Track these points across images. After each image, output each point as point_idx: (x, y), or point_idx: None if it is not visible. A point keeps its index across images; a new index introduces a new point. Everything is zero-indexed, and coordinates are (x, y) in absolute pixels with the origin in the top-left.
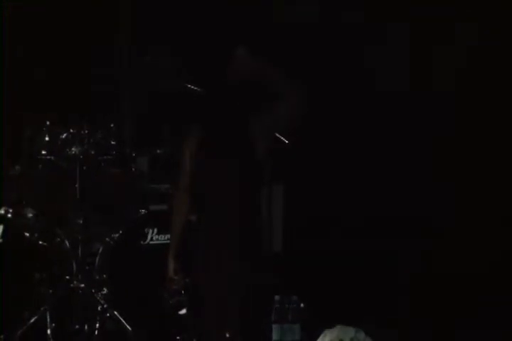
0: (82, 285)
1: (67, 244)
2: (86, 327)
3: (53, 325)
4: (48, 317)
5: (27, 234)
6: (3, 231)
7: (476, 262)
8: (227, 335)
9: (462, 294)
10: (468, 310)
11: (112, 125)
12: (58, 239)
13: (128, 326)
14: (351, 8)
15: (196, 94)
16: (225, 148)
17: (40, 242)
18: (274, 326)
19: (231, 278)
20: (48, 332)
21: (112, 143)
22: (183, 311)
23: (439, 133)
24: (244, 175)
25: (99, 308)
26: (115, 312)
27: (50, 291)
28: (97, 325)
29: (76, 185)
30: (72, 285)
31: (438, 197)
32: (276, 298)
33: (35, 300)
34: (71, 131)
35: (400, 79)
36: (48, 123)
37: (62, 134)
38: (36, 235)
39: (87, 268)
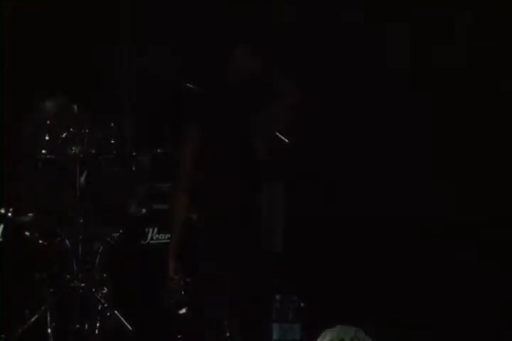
0: (83, 284)
1: (68, 244)
2: (86, 326)
3: (54, 324)
4: (49, 316)
5: (27, 234)
6: (3, 230)
7: (475, 261)
8: (227, 335)
9: (462, 294)
10: (468, 310)
11: (112, 124)
12: (58, 239)
13: (128, 325)
14: (351, 8)
15: (196, 94)
16: (225, 148)
17: (41, 241)
18: (274, 326)
19: (231, 278)
20: (49, 331)
21: (113, 142)
22: (183, 311)
23: (439, 134)
24: (244, 175)
25: (99, 308)
26: (115, 312)
27: (51, 291)
28: (97, 324)
29: (76, 185)
30: (72, 284)
31: (438, 197)
32: (277, 297)
33: (35, 300)
34: (71, 130)
35: (399, 79)
36: (48, 122)
37: (63, 133)
38: (36, 234)
39: (87, 267)
